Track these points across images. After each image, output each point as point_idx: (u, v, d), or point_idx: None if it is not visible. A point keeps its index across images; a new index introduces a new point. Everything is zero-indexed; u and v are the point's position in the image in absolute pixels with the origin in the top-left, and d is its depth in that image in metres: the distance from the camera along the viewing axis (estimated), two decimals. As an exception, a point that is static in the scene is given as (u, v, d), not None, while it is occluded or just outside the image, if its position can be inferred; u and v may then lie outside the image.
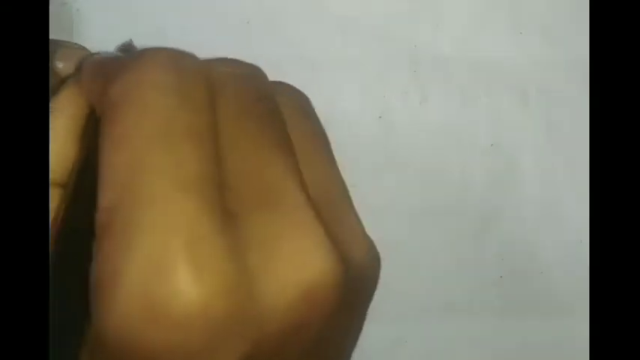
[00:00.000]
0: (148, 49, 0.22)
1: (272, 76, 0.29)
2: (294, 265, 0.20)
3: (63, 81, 0.27)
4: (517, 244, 0.31)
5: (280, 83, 0.26)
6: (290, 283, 0.20)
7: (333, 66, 0.30)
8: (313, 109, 0.26)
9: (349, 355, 0.24)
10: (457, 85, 0.30)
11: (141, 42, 0.29)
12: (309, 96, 0.30)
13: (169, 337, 0.19)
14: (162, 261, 0.19)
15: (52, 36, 0.28)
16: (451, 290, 0.30)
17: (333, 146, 0.27)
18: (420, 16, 0.30)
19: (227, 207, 0.20)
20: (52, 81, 0.27)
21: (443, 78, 0.30)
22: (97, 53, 0.28)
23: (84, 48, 0.28)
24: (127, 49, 0.29)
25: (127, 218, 0.19)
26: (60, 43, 0.28)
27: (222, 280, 0.19)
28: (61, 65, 0.27)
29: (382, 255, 0.25)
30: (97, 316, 0.19)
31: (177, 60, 0.22)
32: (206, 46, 0.29)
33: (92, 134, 0.24)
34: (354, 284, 0.21)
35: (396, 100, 0.30)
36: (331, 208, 0.23)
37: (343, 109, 0.30)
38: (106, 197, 0.20)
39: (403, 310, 0.28)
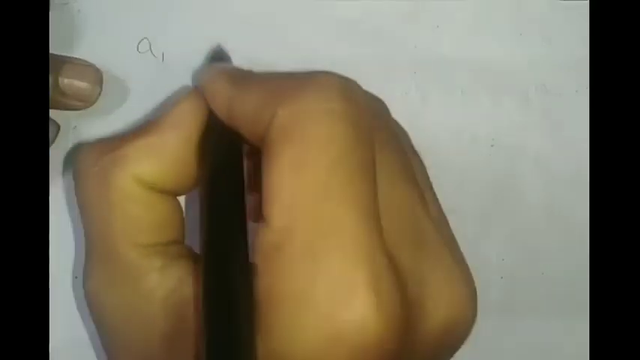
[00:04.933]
0: (316, 73, 0.22)
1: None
2: (443, 302, 0.21)
3: (62, 94, 0.27)
4: (517, 244, 0.31)
5: (393, 119, 0.26)
6: (439, 318, 0.21)
7: (333, 66, 0.30)
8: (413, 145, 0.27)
9: None
10: (457, 85, 0.30)
11: (141, 42, 0.29)
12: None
13: None
14: (346, 289, 0.19)
15: (52, 36, 0.28)
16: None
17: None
18: (420, 17, 0.30)
19: (386, 239, 0.21)
20: (57, 97, 0.27)
21: (443, 78, 0.30)
22: (216, 63, 0.28)
23: (90, 64, 0.28)
24: (221, 55, 0.28)
25: (310, 242, 0.20)
26: (65, 59, 0.28)
27: (396, 312, 0.20)
28: (65, 81, 0.27)
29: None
30: (272, 335, 0.20)
31: (350, 89, 0.22)
32: (207, 48, 0.30)
33: (214, 143, 0.24)
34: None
35: (396, 100, 0.30)
36: (450, 243, 0.24)
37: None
38: (278, 218, 0.20)
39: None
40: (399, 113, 0.30)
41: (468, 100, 0.30)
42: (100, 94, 0.28)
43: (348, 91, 0.22)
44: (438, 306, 0.21)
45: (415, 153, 0.26)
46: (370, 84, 0.30)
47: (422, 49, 0.30)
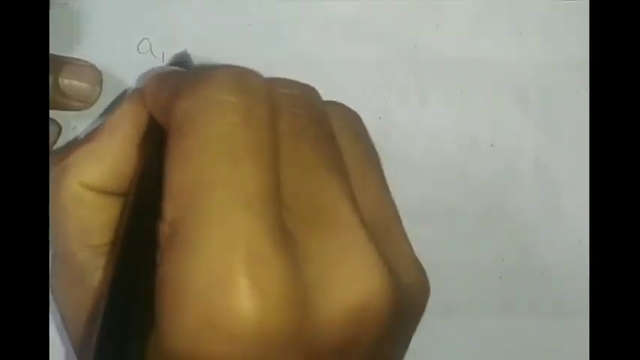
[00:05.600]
0: (214, 67, 0.23)
1: (272, 77, 0.30)
2: (348, 286, 0.21)
3: (62, 95, 0.27)
4: (517, 244, 0.31)
5: (333, 103, 0.26)
6: (343, 303, 0.21)
7: (333, 66, 0.30)
8: (365, 129, 0.26)
9: None
10: (457, 85, 0.30)
11: (141, 42, 0.29)
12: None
13: (226, 349, 0.19)
14: (222, 276, 0.19)
15: (52, 36, 0.28)
16: (451, 290, 0.30)
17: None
18: (420, 16, 0.30)
19: (284, 225, 0.21)
20: (57, 97, 0.27)
21: (443, 78, 0.30)
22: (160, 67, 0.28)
23: (90, 64, 0.28)
24: (183, 60, 0.29)
25: (190, 233, 0.20)
26: (65, 60, 0.28)
27: (278, 297, 0.19)
28: (65, 82, 0.27)
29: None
30: (159, 323, 0.20)
31: (242, 79, 0.22)
32: (207, 49, 0.30)
33: (153, 144, 0.25)
34: (403, 307, 0.22)
35: (396, 101, 0.30)
36: (384, 231, 0.23)
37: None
38: (170, 210, 0.21)
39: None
40: (398, 113, 0.30)
41: (468, 100, 0.30)
42: (99, 94, 0.28)
43: (240, 81, 0.22)
44: (343, 290, 0.21)
45: (358, 137, 0.25)
46: (370, 84, 0.30)
47: (422, 49, 0.30)
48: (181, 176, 0.21)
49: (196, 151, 0.21)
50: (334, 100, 0.26)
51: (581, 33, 0.30)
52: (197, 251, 0.20)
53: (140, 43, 0.29)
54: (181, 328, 0.19)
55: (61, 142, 0.29)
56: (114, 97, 0.29)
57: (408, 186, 0.30)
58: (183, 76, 0.24)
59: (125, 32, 0.29)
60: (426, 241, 0.30)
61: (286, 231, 0.21)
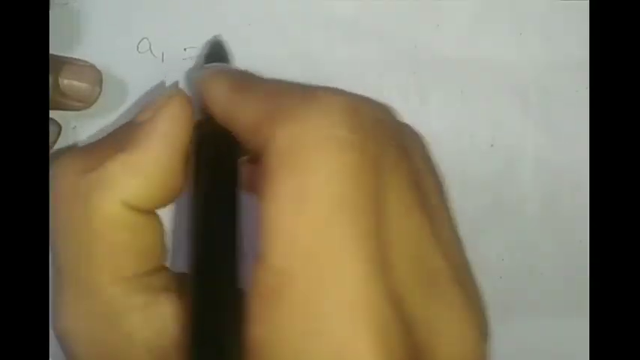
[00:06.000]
0: (320, 91, 0.20)
1: (272, 77, 0.29)
2: (454, 348, 0.20)
3: (62, 95, 0.27)
4: (517, 244, 0.31)
5: (406, 126, 0.24)
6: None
7: (333, 66, 0.30)
8: (430, 152, 0.24)
9: None
10: (457, 85, 0.30)
11: (141, 42, 0.29)
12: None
13: None
14: (350, 348, 0.18)
15: (52, 36, 0.28)
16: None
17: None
18: (420, 16, 0.30)
19: (394, 283, 0.19)
20: (57, 97, 0.27)
21: (443, 78, 0.30)
22: (214, 65, 0.25)
23: (90, 64, 0.28)
24: (218, 50, 0.27)
25: (309, 293, 0.18)
26: (65, 60, 0.28)
27: None
28: (65, 82, 0.27)
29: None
30: None
31: (356, 111, 0.20)
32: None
33: (207, 152, 0.22)
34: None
35: (396, 100, 0.30)
36: (463, 273, 0.22)
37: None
38: (279, 258, 0.18)
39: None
40: (399, 113, 0.30)
41: (468, 100, 0.30)
42: (99, 94, 0.28)
43: (353, 114, 0.20)
44: (449, 352, 0.20)
45: (428, 162, 0.23)
46: (370, 84, 0.30)
47: (422, 49, 0.30)
48: (293, 221, 0.18)
49: (311, 194, 0.18)
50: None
51: (581, 33, 0.30)
52: (317, 318, 0.18)
53: (140, 42, 0.29)
54: None
55: (62, 142, 0.29)
56: (113, 97, 0.29)
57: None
58: (273, 91, 0.21)
59: (125, 32, 0.29)
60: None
61: (398, 289, 0.19)
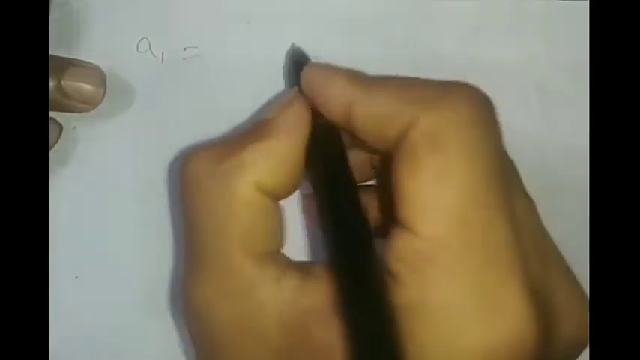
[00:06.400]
0: (457, 84, 0.23)
1: (273, 78, 0.30)
2: (572, 314, 0.22)
3: (66, 96, 0.27)
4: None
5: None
6: (569, 331, 0.22)
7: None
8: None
9: None
10: (457, 85, 0.30)
11: (140, 42, 0.29)
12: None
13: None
14: (504, 300, 0.20)
15: (52, 36, 0.28)
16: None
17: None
18: (420, 16, 0.30)
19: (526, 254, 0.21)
20: (61, 99, 0.27)
21: (443, 78, 0.30)
22: (320, 64, 0.26)
23: (94, 66, 0.28)
24: (301, 57, 0.28)
25: (464, 253, 0.20)
26: (69, 61, 0.28)
27: (545, 324, 0.21)
28: (69, 83, 0.27)
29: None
30: (426, 348, 0.20)
31: (488, 102, 0.23)
32: (207, 48, 0.30)
33: (325, 146, 0.24)
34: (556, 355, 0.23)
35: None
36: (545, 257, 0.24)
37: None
38: (429, 226, 0.20)
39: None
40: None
41: (468, 100, 0.30)
42: (104, 95, 0.28)
43: (487, 103, 0.22)
44: (568, 318, 0.22)
45: (509, 157, 0.25)
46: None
47: (422, 49, 0.30)
48: (443, 192, 0.20)
49: (457, 167, 0.21)
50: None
51: (581, 33, 0.30)
52: (471, 275, 0.20)
53: (140, 42, 0.29)
54: (457, 353, 0.20)
55: (62, 142, 0.29)
56: (113, 97, 0.29)
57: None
58: (407, 87, 0.24)
59: (125, 32, 0.29)
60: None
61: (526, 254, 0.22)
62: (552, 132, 0.31)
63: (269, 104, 0.29)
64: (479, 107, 0.22)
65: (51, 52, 0.28)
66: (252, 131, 0.24)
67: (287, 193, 0.24)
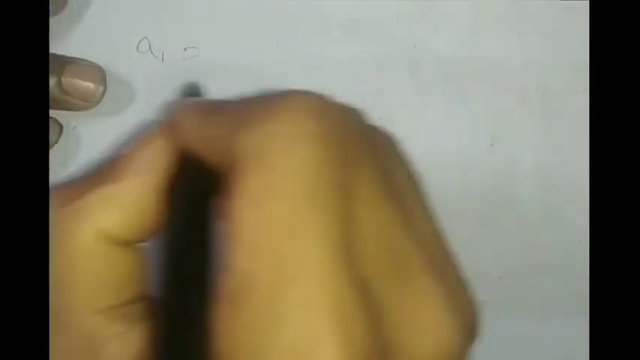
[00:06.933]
0: (285, 93, 0.20)
1: (272, 78, 0.29)
2: (427, 336, 0.19)
3: (67, 94, 0.27)
4: (517, 244, 0.31)
5: (374, 127, 0.23)
6: (425, 356, 0.19)
7: (333, 66, 0.30)
8: (404, 153, 0.23)
9: None
10: (457, 85, 0.30)
11: (140, 42, 0.29)
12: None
13: None
14: (312, 342, 0.17)
15: (52, 35, 0.28)
16: (451, 290, 0.30)
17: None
18: (420, 16, 0.30)
19: (363, 274, 0.18)
20: (62, 97, 0.27)
21: (443, 78, 0.30)
22: (188, 98, 0.26)
23: (94, 64, 0.28)
24: (194, 92, 0.27)
25: (271, 289, 0.18)
26: (69, 60, 0.28)
27: (364, 356, 0.18)
28: (69, 81, 0.27)
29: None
30: None
31: (323, 107, 0.19)
32: (207, 48, 0.30)
33: (187, 184, 0.22)
34: (469, 345, 0.20)
35: (396, 101, 0.30)
36: (443, 266, 0.21)
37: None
38: (242, 260, 0.18)
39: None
40: (398, 113, 0.30)
41: (468, 100, 0.30)
42: (104, 93, 0.28)
43: (320, 110, 0.19)
44: (420, 348, 0.19)
45: (403, 162, 0.23)
46: (370, 84, 0.30)
47: (422, 49, 0.30)
48: (256, 221, 0.18)
49: (275, 192, 0.18)
50: (334, 99, 0.26)
51: (581, 33, 0.30)
52: (280, 315, 0.17)
53: (140, 42, 0.29)
54: None
55: (62, 141, 0.29)
56: (113, 97, 0.29)
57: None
58: (238, 106, 0.21)
59: (125, 32, 0.29)
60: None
61: (365, 280, 0.18)
62: (552, 132, 0.31)
63: (134, 138, 0.27)
64: (307, 115, 0.19)
65: (51, 51, 0.28)
66: (104, 169, 0.23)
67: (144, 237, 0.22)
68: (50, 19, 0.28)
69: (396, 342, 0.19)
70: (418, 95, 0.30)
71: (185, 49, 0.29)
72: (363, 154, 0.20)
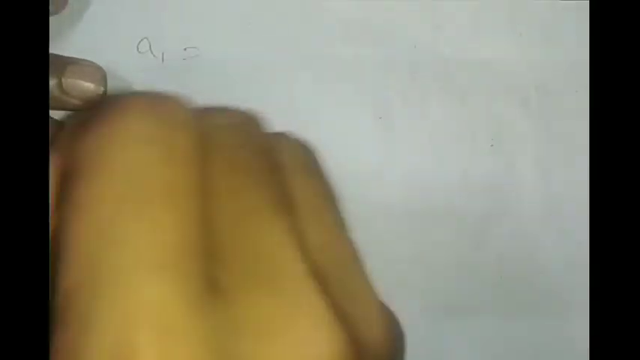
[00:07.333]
0: (124, 97, 0.19)
1: (272, 78, 0.30)
2: (291, 353, 0.17)
3: (67, 94, 0.27)
4: (517, 244, 0.31)
5: (282, 135, 0.22)
6: None
7: (333, 66, 0.30)
8: (319, 164, 0.22)
9: None
10: (457, 85, 0.30)
11: (141, 42, 0.29)
12: (310, 97, 0.30)
13: None
14: (124, 356, 0.16)
15: (52, 35, 0.28)
16: (451, 290, 0.30)
17: (335, 148, 0.27)
18: (420, 17, 0.30)
19: (214, 282, 0.17)
20: (62, 97, 0.28)
21: (443, 78, 0.30)
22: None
23: (94, 64, 0.28)
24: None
25: (88, 302, 0.16)
26: (69, 60, 0.28)
27: None
28: (70, 82, 0.27)
29: (382, 253, 0.25)
30: None
31: (158, 106, 0.18)
32: (207, 49, 0.30)
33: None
34: None
35: (396, 101, 0.30)
36: (341, 277, 0.20)
37: (343, 110, 0.30)
38: (66, 276, 0.17)
39: (403, 310, 0.28)
40: (398, 113, 0.30)
41: (468, 100, 0.30)
42: (104, 93, 0.28)
43: (154, 108, 0.18)
44: (285, 358, 0.17)
45: (308, 172, 0.22)
46: (370, 84, 0.30)
47: (422, 49, 0.30)
48: (77, 230, 0.17)
49: (95, 196, 0.17)
50: (334, 99, 0.26)
51: (581, 33, 0.30)
52: (94, 326, 0.16)
53: (140, 42, 0.29)
54: None
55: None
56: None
57: (407, 186, 0.30)
58: (87, 115, 0.20)
59: (125, 32, 0.29)
60: (426, 240, 0.30)
61: (216, 290, 0.17)
62: (552, 132, 0.31)
63: None
64: (139, 115, 0.18)
65: (51, 52, 0.28)
66: None
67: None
68: (50, 19, 0.28)
69: (256, 354, 0.17)
70: (418, 95, 0.30)
71: (185, 49, 0.29)
72: (236, 159, 0.19)
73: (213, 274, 0.17)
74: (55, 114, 0.28)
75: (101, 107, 0.19)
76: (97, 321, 0.16)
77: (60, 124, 0.24)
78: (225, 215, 0.18)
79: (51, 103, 0.28)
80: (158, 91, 0.19)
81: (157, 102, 0.19)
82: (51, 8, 0.27)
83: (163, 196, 0.17)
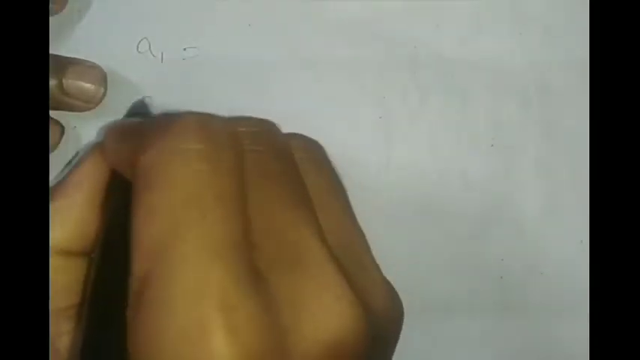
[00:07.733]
0: (176, 115, 0.23)
1: (272, 78, 0.30)
2: (321, 324, 0.21)
3: (67, 95, 0.28)
4: (517, 244, 0.31)
5: (294, 135, 0.26)
6: (318, 342, 0.20)
7: (333, 66, 0.30)
8: (328, 159, 0.27)
9: None
10: (457, 85, 0.30)
11: (140, 42, 0.29)
12: (310, 96, 0.30)
13: None
14: (195, 330, 0.19)
15: (52, 35, 0.28)
16: (451, 290, 0.30)
17: (335, 148, 0.27)
18: (420, 17, 0.30)
19: (256, 267, 0.21)
20: (62, 98, 0.28)
21: (443, 78, 0.30)
22: (119, 119, 0.28)
23: (94, 64, 0.28)
24: (141, 108, 0.29)
25: (160, 287, 0.20)
26: (70, 60, 0.28)
27: (254, 346, 0.19)
28: (70, 82, 0.27)
29: (381, 253, 0.25)
30: None
31: (206, 125, 0.22)
32: (207, 50, 0.30)
33: (117, 200, 0.24)
34: (378, 332, 0.22)
35: (396, 100, 0.30)
36: (352, 258, 0.23)
37: (343, 110, 0.30)
38: (138, 265, 0.20)
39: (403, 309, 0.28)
40: (398, 113, 0.30)
41: (468, 100, 0.30)
42: (104, 94, 0.28)
43: (203, 128, 0.22)
44: (316, 329, 0.21)
45: (320, 166, 0.26)
46: (370, 84, 0.30)
47: (422, 49, 0.30)
48: (148, 229, 0.20)
49: (163, 201, 0.20)
50: (334, 99, 0.26)
51: (582, 32, 0.30)
52: (167, 306, 0.19)
53: (140, 42, 0.29)
54: None
55: (62, 142, 0.29)
56: (113, 97, 0.29)
57: (407, 186, 0.30)
58: (144, 128, 0.24)
59: (125, 32, 0.29)
60: (426, 241, 0.30)
61: (258, 274, 0.21)
62: (552, 132, 0.31)
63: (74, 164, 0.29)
64: (192, 134, 0.22)
65: (51, 52, 0.28)
66: (51, 189, 0.26)
67: (87, 248, 0.25)
68: (50, 19, 0.28)
69: (293, 329, 0.20)
70: (418, 95, 0.30)
71: (185, 49, 0.29)
72: (262, 165, 0.23)
73: (255, 261, 0.21)
74: (55, 114, 0.28)
75: (158, 123, 0.23)
76: (167, 304, 0.19)
77: (103, 130, 0.26)
78: (258, 213, 0.22)
79: (51, 103, 0.28)
80: (205, 113, 0.23)
81: (206, 122, 0.22)
82: (51, 8, 0.27)
83: (215, 201, 0.21)
